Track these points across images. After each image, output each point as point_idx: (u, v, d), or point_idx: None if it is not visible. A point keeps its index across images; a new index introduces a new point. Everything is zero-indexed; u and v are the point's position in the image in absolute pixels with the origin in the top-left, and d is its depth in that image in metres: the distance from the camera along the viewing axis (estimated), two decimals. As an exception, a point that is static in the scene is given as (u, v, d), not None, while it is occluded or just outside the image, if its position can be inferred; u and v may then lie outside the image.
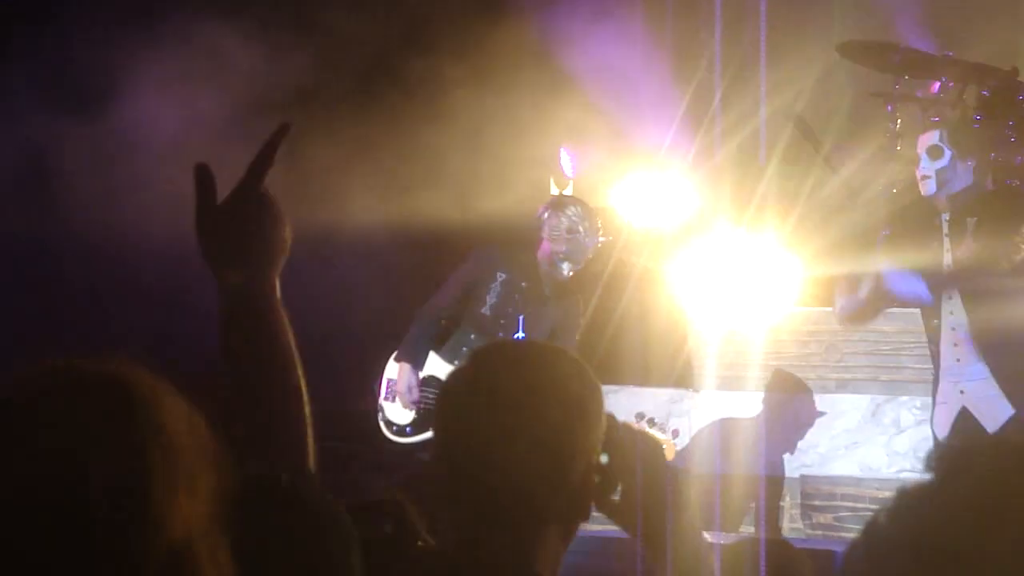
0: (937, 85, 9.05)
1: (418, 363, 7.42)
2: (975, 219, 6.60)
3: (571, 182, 9.64)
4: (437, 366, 7.42)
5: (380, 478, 7.53)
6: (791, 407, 8.31)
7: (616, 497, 2.41)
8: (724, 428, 8.24)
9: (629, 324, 8.50)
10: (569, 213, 7.56)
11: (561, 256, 7.51)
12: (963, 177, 6.56)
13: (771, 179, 8.83)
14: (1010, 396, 6.32)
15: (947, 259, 6.64)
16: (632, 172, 9.08)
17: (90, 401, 1.50)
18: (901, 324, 8.16)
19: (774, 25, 10.06)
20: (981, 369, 6.41)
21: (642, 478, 2.42)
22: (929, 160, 6.58)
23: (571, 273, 7.57)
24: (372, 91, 9.21)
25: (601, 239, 7.77)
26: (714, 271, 8.13)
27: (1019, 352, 6.31)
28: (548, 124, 9.22)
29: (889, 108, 9.03)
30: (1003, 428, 6.27)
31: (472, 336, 7.46)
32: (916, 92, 9.15)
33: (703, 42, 9.97)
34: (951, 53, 9.00)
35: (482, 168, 8.91)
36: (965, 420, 6.43)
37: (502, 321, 7.47)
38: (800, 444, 8.28)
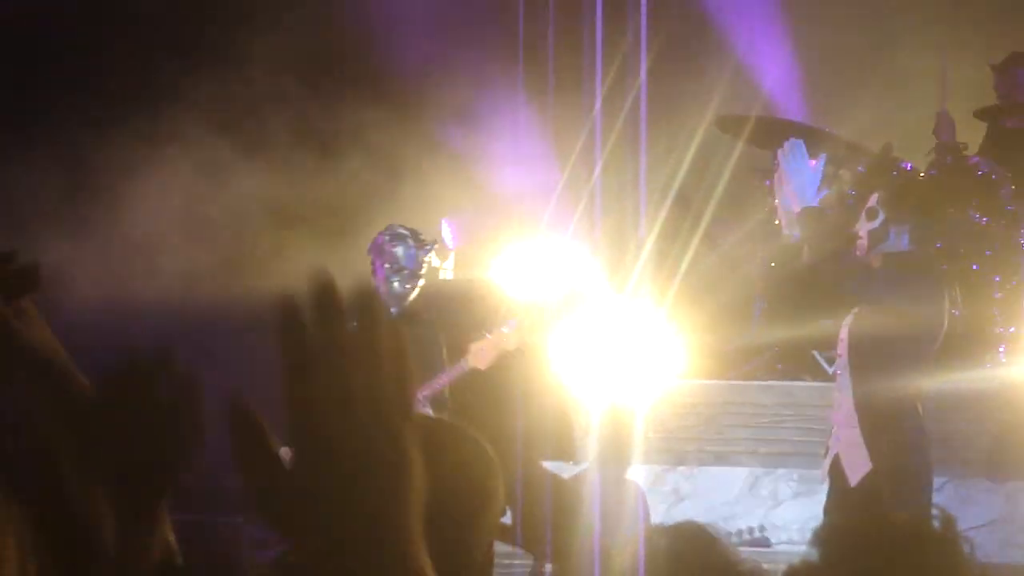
0: (813, 163, 9.16)
1: None
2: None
3: (452, 253, 9.61)
4: None
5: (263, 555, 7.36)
6: (670, 479, 8.32)
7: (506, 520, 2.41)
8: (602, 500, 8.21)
9: (510, 397, 8.46)
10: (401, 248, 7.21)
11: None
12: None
13: (651, 252, 8.87)
14: (871, 448, 6.32)
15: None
16: (512, 245, 9.07)
17: None
18: (779, 396, 8.23)
19: (654, 99, 10.17)
20: (851, 416, 6.44)
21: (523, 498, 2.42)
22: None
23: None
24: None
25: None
26: (594, 344, 8.13)
27: (886, 405, 6.30)
28: (429, 196, 9.20)
29: (768, 183, 9.13)
30: (860, 482, 6.26)
31: None
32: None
33: (584, 114, 10.03)
34: (829, 128, 9.14)
35: (361, 242, 8.86)
36: (836, 467, 6.43)
37: None
38: (678, 516, 8.27)
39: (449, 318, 8.21)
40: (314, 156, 9.00)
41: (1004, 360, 8.45)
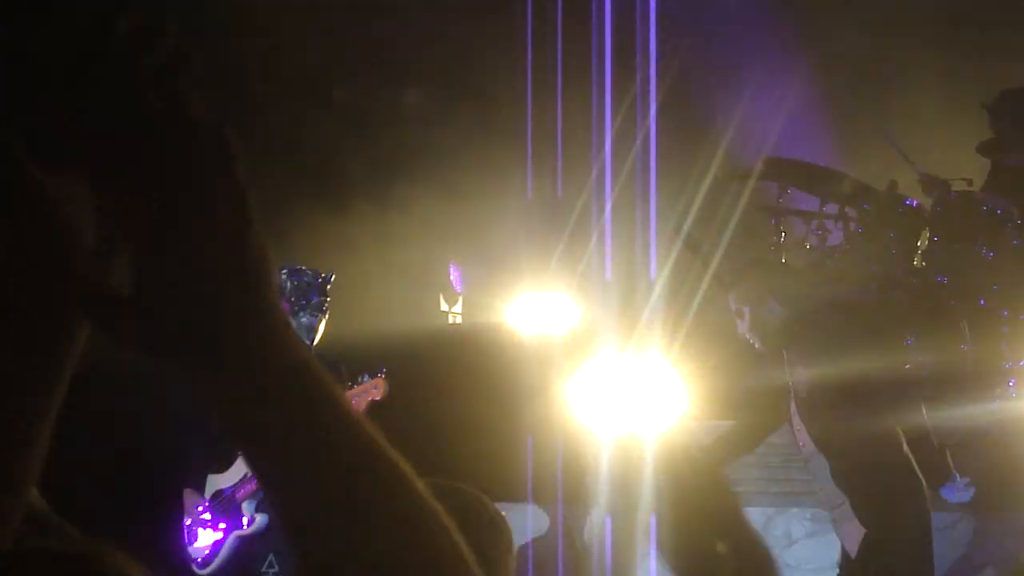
0: (818, 201, 9.19)
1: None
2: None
3: (460, 298, 9.64)
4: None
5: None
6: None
7: None
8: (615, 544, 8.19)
9: (518, 440, 8.46)
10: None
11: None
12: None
13: (661, 294, 8.88)
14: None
15: None
16: (522, 291, 9.10)
17: None
18: (789, 437, 8.19)
19: (663, 141, 10.21)
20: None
21: None
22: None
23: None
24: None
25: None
26: (604, 388, 8.12)
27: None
28: (436, 242, 9.23)
29: (773, 221, 9.14)
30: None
31: None
32: (800, 206, 9.28)
33: (593, 156, 10.06)
34: (836, 168, 9.16)
35: (371, 289, 8.89)
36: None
37: None
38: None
39: (457, 360, 8.22)
40: (326, 198, 9.04)
41: (1015, 394, 8.43)
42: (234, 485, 6.57)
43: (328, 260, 8.73)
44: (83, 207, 1.23)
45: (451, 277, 9.63)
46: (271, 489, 1.22)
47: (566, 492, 8.50)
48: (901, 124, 10.06)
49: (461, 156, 9.65)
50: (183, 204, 1.19)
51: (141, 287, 1.19)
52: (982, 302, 8.62)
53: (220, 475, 6.66)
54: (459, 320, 9.66)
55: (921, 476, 6.33)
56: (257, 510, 6.57)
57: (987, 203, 8.73)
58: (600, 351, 8.46)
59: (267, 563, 6.69)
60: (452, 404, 8.29)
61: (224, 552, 6.51)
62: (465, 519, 2.39)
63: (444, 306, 9.50)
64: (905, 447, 6.24)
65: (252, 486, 6.53)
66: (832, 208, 9.01)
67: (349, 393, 6.50)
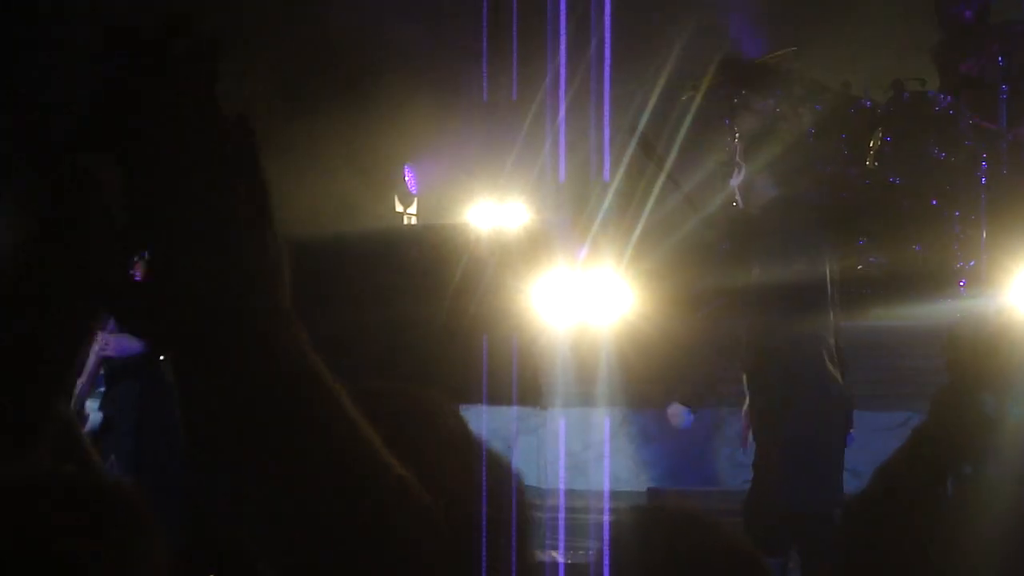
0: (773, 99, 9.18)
1: None
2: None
3: (415, 199, 9.62)
4: None
5: None
6: (637, 420, 8.36)
7: None
8: (571, 443, 8.26)
9: (471, 341, 8.48)
10: None
11: None
12: (765, 190, 6.37)
13: (615, 195, 8.88)
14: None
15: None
16: (478, 194, 9.09)
17: None
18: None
19: (617, 42, 10.15)
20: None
21: None
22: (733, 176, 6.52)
23: None
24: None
25: None
26: (558, 288, 8.16)
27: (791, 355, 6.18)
28: (391, 143, 9.19)
29: (727, 122, 9.14)
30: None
31: None
32: (754, 105, 9.26)
33: (547, 60, 10.01)
34: (789, 64, 9.15)
35: (325, 189, 8.85)
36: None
37: None
38: (647, 458, 8.32)
39: (412, 262, 8.23)
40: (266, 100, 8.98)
41: (965, 294, 8.50)
42: None
43: (282, 159, 8.70)
44: (111, 194, 1.24)
45: (406, 178, 9.61)
46: (255, 497, 1.22)
47: (521, 391, 8.55)
48: (856, 21, 10.05)
49: (416, 59, 9.59)
50: (204, 200, 1.20)
51: (156, 277, 1.19)
52: (934, 202, 8.68)
53: None
54: (414, 222, 9.66)
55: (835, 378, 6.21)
56: (99, 409, 6.45)
57: (939, 103, 8.75)
58: (554, 252, 8.48)
59: (107, 464, 6.55)
60: (407, 304, 8.31)
61: None
62: (423, 418, 2.41)
63: (399, 207, 9.49)
64: (824, 353, 6.13)
65: (89, 385, 6.40)
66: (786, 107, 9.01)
67: None
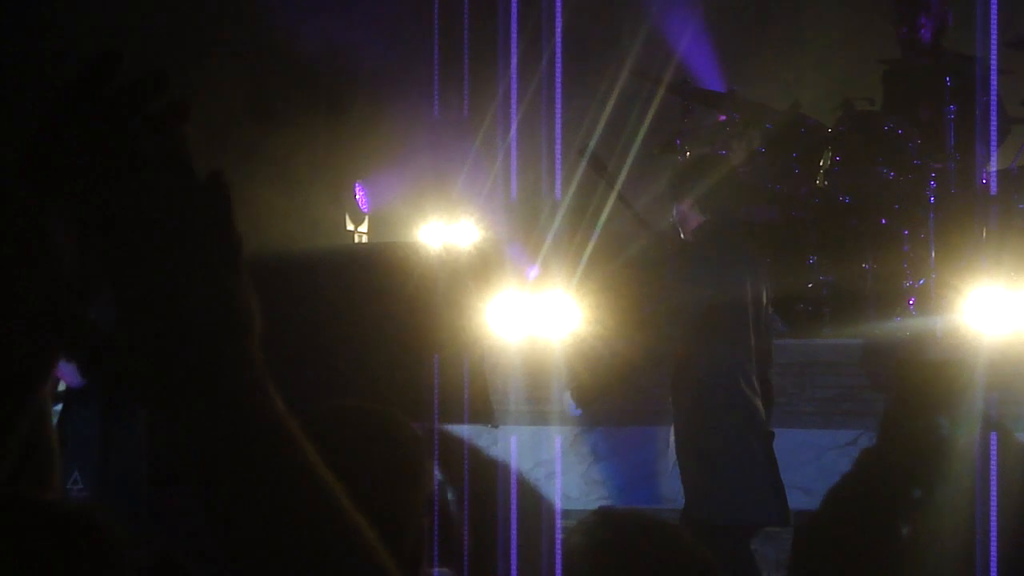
0: (723, 118, 9.23)
1: None
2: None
3: (367, 218, 9.60)
4: None
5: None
6: (588, 439, 8.36)
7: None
8: (522, 461, 8.24)
9: (424, 358, 8.47)
10: None
11: None
12: (694, 215, 6.52)
13: (566, 214, 8.89)
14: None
15: None
16: (430, 212, 9.09)
17: None
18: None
19: (568, 61, 10.18)
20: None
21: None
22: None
23: None
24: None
25: None
26: (510, 304, 8.17)
27: (708, 378, 6.40)
28: (342, 160, 9.18)
29: (678, 142, 9.17)
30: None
31: None
32: (704, 123, 9.31)
33: (498, 77, 10.03)
34: (736, 88, 9.21)
35: (276, 205, 8.82)
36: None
37: None
38: (595, 477, 8.32)
39: (363, 280, 8.20)
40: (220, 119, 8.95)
41: (914, 313, 8.54)
42: None
43: (234, 173, 8.66)
44: (72, 243, 1.24)
45: (357, 196, 9.59)
46: (221, 538, 1.20)
47: (472, 410, 8.54)
48: (805, 41, 10.12)
49: (367, 75, 9.58)
50: (174, 251, 1.18)
51: (123, 327, 1.18)
52: (883, 221, 8.72)
53: None
54: (364, 240, 9.64)
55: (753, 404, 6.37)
56: (57, 425, 6.36)
57: (889, 123, 8.81)
58: (505, 270, 8.48)
59: (71, 479, 6.45)
60: (359, 324, 8.29)
61: None
62: (383, 438, 2.40)
63: (350, 226, 9.46)
64: (740, 377, 6.28)
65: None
66: (736, 128, 9.07)
67: None
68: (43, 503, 1.45)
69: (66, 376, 6.16)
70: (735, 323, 6.27)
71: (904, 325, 8.41)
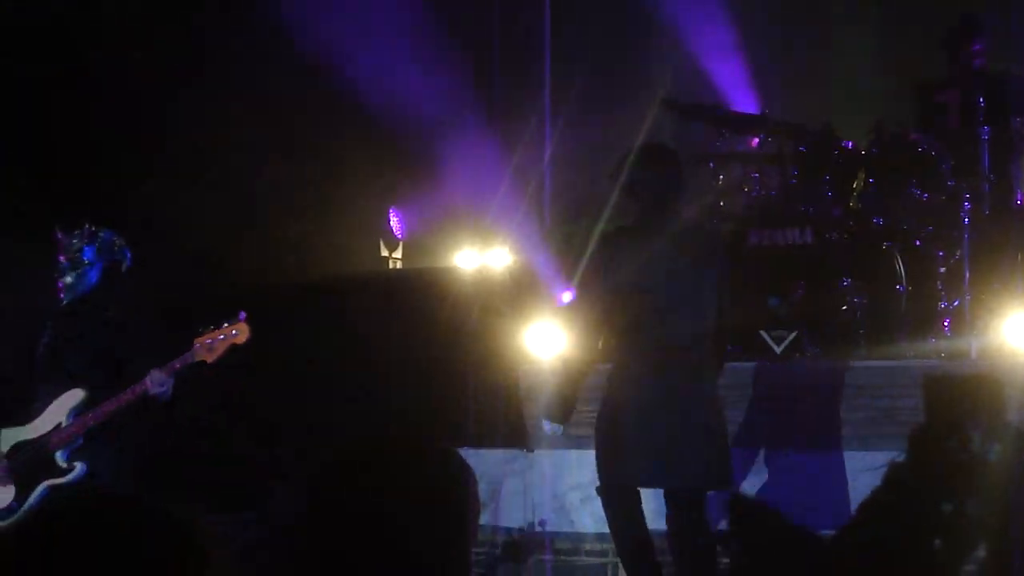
0: (756, 141, 9.24)
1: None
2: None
3: (400, 244, 9.64)
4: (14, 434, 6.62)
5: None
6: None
7: None
8: (557, 485, 8.25)
9: (459, 383, 8.49)
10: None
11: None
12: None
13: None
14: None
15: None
16: (463, 239, 9.12)
17: None
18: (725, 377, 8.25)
19: (603, 88, 10.23)
20: None
21: None
22: None
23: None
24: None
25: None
26: (545, 329, 8.19)
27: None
28: (377, 187, 9.22)
29: (712, 165, 9.19)
30: None
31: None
32: (737, 148, 9.33)
33: (533, 104, 10.09)
34: (768, 112, 9.23)
35: (312, 232, 8.88)
36: None
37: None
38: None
39: (400, 304, 8.24)
40: (257, 151, 9.01)
41: (949, 334, 8.52)
42: (41, 436, 6.37)
43: (268, 206, 8.72)
44: None
45: (391, 223, 9.63)
46: None
47: (507, 435, 8.55)
48: (837, 64, 10.12)
49: (403, 103, 9.63)
50: None
51: None
52: (917, 243, 8.71)
53: (21, 428, 6.43)
54: (399, 266, 9.68)
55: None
56: (71, 459, 6.38)
57: (922, 144, 8.80)
58: (538, 294, 8.50)
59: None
60: (397, 348, 8.32)
61: (33, 501, 6.31)
62: (436, 476, 2.44)
63: (384, 252, 9.51)
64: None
65: (64, 435, 6.35)
66: (769, 150, 9.08)
67: (211, 335, 6.34)
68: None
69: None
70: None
71: (939, 346, 8.38)
